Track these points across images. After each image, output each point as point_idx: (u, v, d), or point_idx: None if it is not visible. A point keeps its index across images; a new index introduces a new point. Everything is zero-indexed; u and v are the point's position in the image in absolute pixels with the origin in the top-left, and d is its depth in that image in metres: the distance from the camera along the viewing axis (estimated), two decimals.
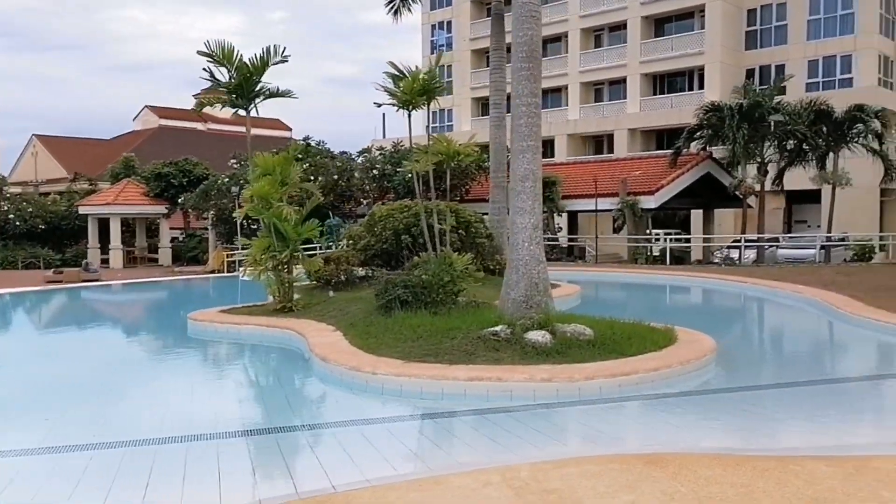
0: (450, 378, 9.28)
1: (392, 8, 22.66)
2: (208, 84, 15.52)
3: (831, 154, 29.85)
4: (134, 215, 41.95)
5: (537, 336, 10.41)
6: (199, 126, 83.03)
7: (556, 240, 33.41)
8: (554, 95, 52.59)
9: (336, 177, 33.85)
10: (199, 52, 14.68)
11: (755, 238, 30.20)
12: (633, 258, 29.42)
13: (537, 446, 7.21)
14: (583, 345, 10.45)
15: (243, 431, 7.83)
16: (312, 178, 34.35)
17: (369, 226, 19.23)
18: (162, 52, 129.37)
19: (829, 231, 29.92)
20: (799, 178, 31.59)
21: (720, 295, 22.16)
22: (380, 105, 15.31)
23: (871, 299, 16.30)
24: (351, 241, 19.56)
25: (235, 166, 37.70)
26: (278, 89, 15.54)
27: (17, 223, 40.98)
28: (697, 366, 10.30)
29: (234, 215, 15.48)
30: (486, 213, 22.76)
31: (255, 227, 39.33)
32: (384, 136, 56.36)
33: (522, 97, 11.30)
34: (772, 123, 28.19)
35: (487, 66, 55.44)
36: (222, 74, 15.28)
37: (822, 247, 29.24)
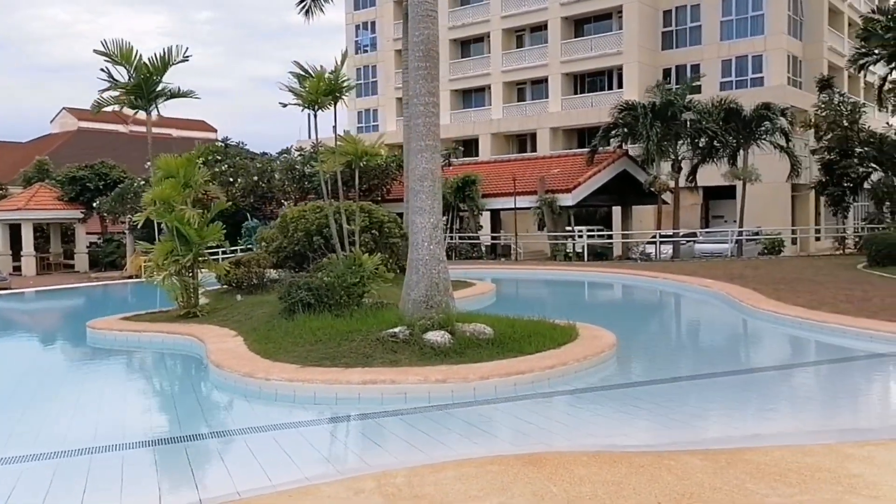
0: (343, 382, 9.13)
1: (303, 8, 22.30)
2: (107, 84, 14.92)
3: (742, 151, 30.72)
4: (47, 220, 40.48)
5: (436, 336, 10.35)
6: (121, 128, 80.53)
7: (478, 238, 33.50)
8: (477, 95, 52.93)
9: (256, 178, 33.23)
10: (96, 52, 14.16)
11: (671, 234, 30.89)
12: (552, 255, 29.74)
13: (422, 450, 7.11)
14: (482, 344, 10.43)
15: (121, 444, 7.50)
16: (231, 179, 33.69)
17: (281, 227, 18.90)
18: (82, 53, 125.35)
19: (740, 226, 30.80)
20: (715, 174, 32.47)
21: (631, 290, 22.58)
22: (285, 105, 15.02)
23: (771, 291, 16.82)
24: (264, 244, 19.19)
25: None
26: (179, 90, 15.10)
27: None
28: (595, 362, 10.39)
29: (133, 219, 14.92)
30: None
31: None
32: (309, 137, 55.73)
33: (420, 96, 11.22)
34: (686, 122, 28.85)
35: None
36: (121, 75, 14.76)
37: (736, 241, 30.11)
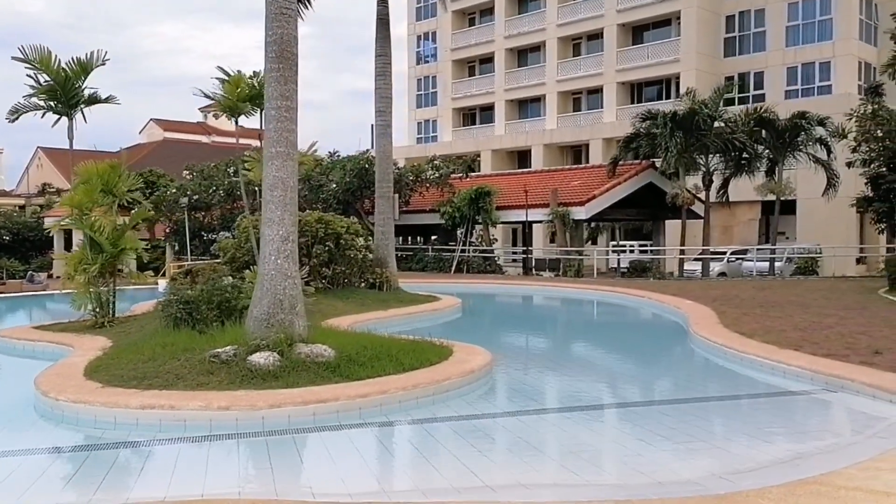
0: (122, 406, 8.50)
1: None
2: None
3: (779, 163, 28.47)
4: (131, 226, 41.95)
5: (260, 358, 9.58)
6: (203, 139, 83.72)
7: (492, 252, 32.30)
8: (533, 105, 51.76)
9: None
10: (14, 58, 14.19)
11: (713, 250, 28.98)
12: (564, 271, 28.22)
13: (109, 489, 6.40)
14: (312, 367, 9.61)
15: None
16: (258, 189, 33.87)
17: (238, 237, 18.59)
18: (187, 67, 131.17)
19: (771, 243, 28.54)
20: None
21: (595, 308, 21.81)
22: (206, 114, 14.60)
23: (736, 315, 15.20)
24: (222, 253, 18.94)
25: (188, 177, 37.45)
26: (98, 95, 14.97)
27: None
28: (432, 391, 9.37)
29: (50, 227, 14.77)
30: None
31: (210, 239, 39.13)
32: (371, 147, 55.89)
33: (272, 100, 10.54)
34: (712, 132, 26.95)
35: (469, 75, 55.15)
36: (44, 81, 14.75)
37: (768, 260, 27.97)
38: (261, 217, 10.84)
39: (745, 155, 27.71)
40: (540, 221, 29.89)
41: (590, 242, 38.53)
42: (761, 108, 28.06)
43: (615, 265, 32.88)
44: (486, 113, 54.14)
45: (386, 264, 19.88)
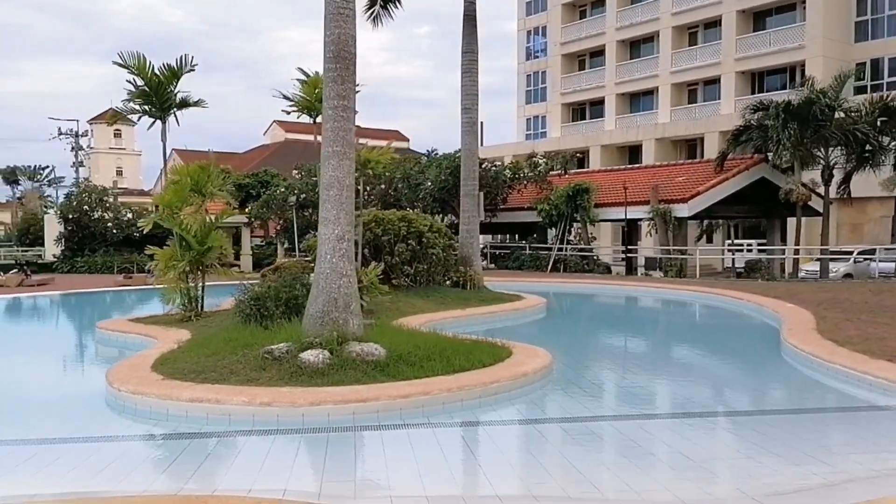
0: (174, 398, 8.80)
1: (371, 14, 22.12)
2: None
3: None
4: (216, 225, 44.09)
5: (310, 356, 9.68)
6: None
7: (590, 250, 31.37)
8: (645, 98, 50.19)
9: (384, 186, 33.85)
10: (115, 63, 15.03)
11: (837, 250, 27.17)
12: (665, 271, 27.05)
13: (154, 480, 6.64)
14: (361, 366, 9.61)
15: None
16: (359, 187, 34.63)
17: None
18: (313, 71, 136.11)
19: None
20: None
21: (685, 309, 20.89)
22: (289, 113, 14.96)
23: (837, 321, 14.08)
24: (309, 251, 19.38)
25: (297, 176, 38.68)
26: (189, 98, 15.59)
27: (115, 231, 44.09)
28: (479, 394, 9.17)
29: (138, 224, 15.56)
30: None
31: (308, 235, 40.33)
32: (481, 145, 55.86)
33: (330, 100, 10.62)
34: (831, 123, 25.16)
35: (579, 69, 54.13)
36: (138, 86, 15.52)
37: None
38: (319, 216, 10.97)
39: (868, 147, 25.69)
40: (641, 219, 28.86)
41: (703, 240, 36.96)
42: (887, 97, 25.93)
43: (730, 264, 31.37)
44: (596, 107, 53.01)
45: (470, 263, 19.76)
